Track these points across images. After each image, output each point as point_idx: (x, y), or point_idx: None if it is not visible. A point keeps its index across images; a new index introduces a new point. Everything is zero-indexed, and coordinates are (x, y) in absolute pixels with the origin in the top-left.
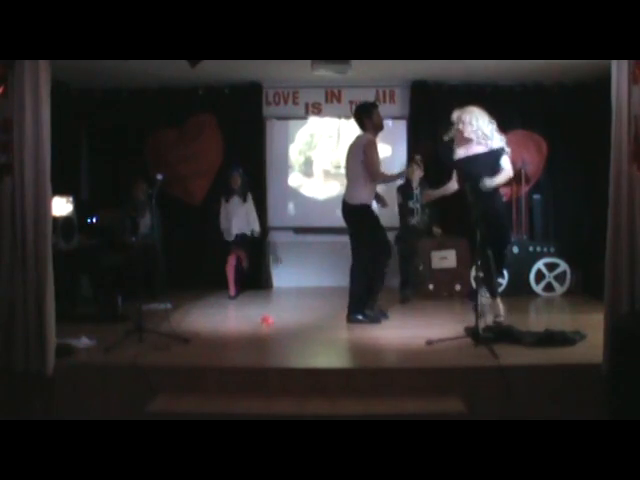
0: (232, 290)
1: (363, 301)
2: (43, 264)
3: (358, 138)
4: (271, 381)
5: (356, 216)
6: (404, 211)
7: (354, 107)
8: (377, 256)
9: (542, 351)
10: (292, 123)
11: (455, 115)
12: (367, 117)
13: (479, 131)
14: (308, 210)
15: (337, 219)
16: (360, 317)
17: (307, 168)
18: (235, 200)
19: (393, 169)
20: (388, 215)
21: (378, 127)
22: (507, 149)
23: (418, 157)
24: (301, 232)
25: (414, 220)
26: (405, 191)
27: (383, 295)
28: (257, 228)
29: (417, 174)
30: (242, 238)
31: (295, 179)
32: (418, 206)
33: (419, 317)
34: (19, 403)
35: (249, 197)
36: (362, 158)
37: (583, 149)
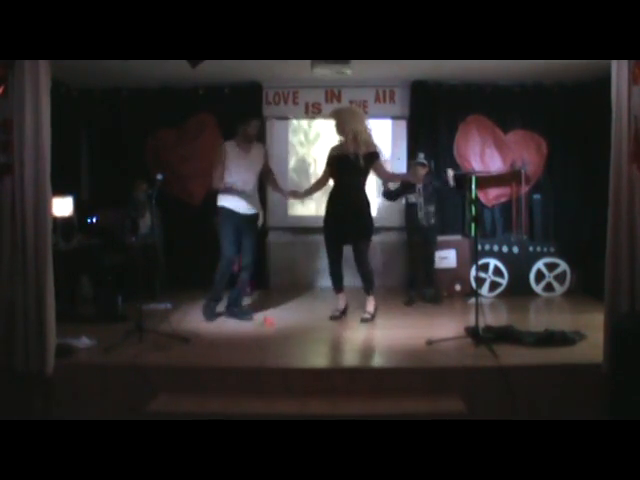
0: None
1: (217, 299)
2: (43, 264)
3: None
4: (271, 381)
5: (217, 216)
6: (408, 206)
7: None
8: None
9: (542, 351)
10: (297, 123)
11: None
12: (241, 124)
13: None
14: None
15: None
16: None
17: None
18: None
19: (393, 169)
20: (389, 214)
21: (246, 137)
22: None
23: (421, 156)
24: (301, 232)
25: (419, 215)
26: (408, 186)
27: (387, 295)
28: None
29: (420, 172)
30: None
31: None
32: (421, 201)
33: (419, 317)
34: (19, 403)
35: None
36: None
37: (583, 149)
